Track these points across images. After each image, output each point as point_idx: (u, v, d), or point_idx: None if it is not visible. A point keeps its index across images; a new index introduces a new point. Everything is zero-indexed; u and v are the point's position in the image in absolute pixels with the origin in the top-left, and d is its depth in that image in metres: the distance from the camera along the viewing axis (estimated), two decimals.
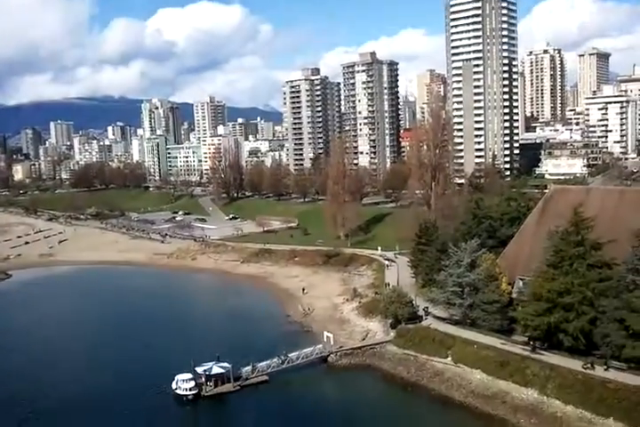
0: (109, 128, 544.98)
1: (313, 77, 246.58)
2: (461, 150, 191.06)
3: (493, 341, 65.38)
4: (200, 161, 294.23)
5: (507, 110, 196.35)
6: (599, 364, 56.02)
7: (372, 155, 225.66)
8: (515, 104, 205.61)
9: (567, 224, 62.50)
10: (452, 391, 60.14)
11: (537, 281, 63.16)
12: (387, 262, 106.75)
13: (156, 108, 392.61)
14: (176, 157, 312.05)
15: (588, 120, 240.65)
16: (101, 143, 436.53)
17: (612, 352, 56.39)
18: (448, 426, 55.66)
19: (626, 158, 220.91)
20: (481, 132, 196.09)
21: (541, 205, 79.14)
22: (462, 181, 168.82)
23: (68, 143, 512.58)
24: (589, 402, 52.38)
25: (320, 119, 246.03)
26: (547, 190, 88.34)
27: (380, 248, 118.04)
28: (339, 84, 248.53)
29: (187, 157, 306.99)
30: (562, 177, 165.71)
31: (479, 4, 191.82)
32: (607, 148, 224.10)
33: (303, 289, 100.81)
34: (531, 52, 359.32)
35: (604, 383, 52.89)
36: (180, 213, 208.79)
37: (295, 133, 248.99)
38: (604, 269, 61.13)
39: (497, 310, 68.57)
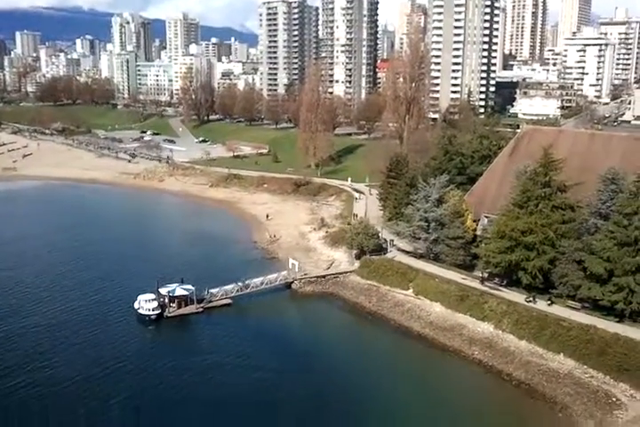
0: (78, 41, 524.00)
1: (291, 0, 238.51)
2: (437, 85, 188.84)
3: (454, 275, 66.93)
4: (171, 80, 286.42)
5: (486, 46, 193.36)
6: (544, 299, 58.81)
7: (348, 84, 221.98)
8: (494, 40, 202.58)
9: (536, 165, 62.89)
10: (410, 322, 61.72)
11: (502, 219, 64.05)
12: (356, 195, 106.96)
13: (127, 22, 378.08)
14: (146, 75, 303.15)
15: (566, 61, 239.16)
16: (69, 57, 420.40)
17: (567, 292, 58.24)
18: (405, 355, 57.21)
19: (599, 102, 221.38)
20: (458, 67, 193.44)
21: (512, 145, 79.33)
22: (436, 116, 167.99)
23: (35, 55, 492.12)
24: (542, 338, 54.34)
25: (296, 44, 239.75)
26: (519, 130, 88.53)
27: (350, 179, 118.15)
28: (317, 8, 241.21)
29: (157, 76, 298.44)
30: (535, 117, 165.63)
31: None
32: (582, 90, 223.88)
33: (267, 215, 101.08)
34: None
35: (557, 321, 54.73)
36: (149, 132, 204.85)
37: (270, 57, 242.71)
38: (567, 211, 62.07)
39: (460, 245, 69.81)
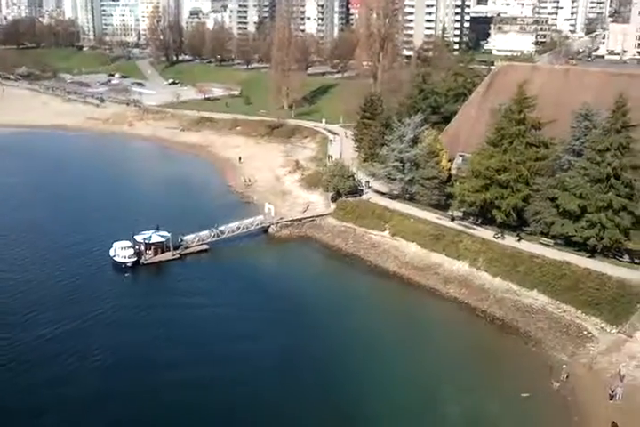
0: None
1: None
2: (411, 21, 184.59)
3: (430, 215, 67.26)
4: (137, 20, 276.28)
5: None
6: (512, 235, 60.13)
7: (320, 21, 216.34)
8: None
9: (510, 102, 62.36)
10: (387, 263, 62.37)
11: (476, 158, 63.93)
12: (331, 137, 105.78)
13: None
14: (111, 15, 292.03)
15: None
16: None
17: (541, 229, 58.92)
18: (381, 294, 58.09)
19: (574, 37, 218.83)
20: (433, 2, 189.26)
21: (487, 82, 78.45)
22: (410, 53, 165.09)
23: None
24: (516, 275, 55.34)
25: None
26: (493, 67, 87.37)
27: (324, 120, 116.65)
28: None
29: (123, 16, 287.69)
30: (509, 53, 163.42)
31: None
32: (556, 25, 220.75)
33: (240, 159, 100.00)
34: None
35: (531, 258, 55.59)
36: (117, 75, 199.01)
37: None
38: (541, 148, 62.10)
39: (435, 185, 69.85)
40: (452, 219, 65.69)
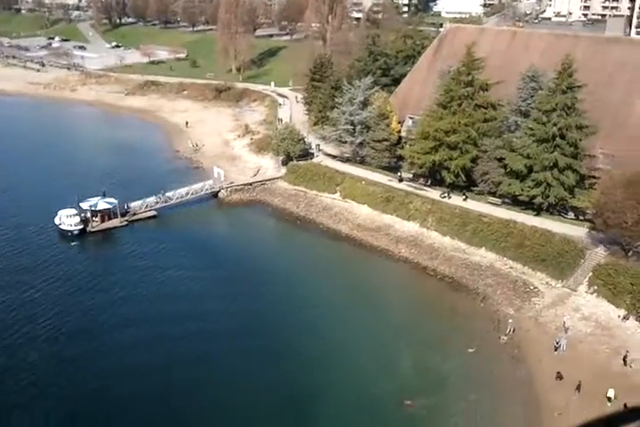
0: None
1: None
2: None
3: (381, 177, 67.57)
4: None
5: None
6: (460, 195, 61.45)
7: None
8: None
9: (459, 64, 62.45)
10: (339, 225, 62.63)
11: (425, 120, 64.15)
12: (280, 100, 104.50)
13: None
14: None
15: None
16: None
17: (489, 189, 59.85)
18: (334, 256, 58.15)
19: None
20: None
21: (436, 44, 78.29)
22: (360, 15, 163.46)
23: None
24: (465, 234, 56.36)
25: None
26: (442, 29, 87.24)
27: (273, 83, 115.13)
28: None
29: None
30: (458, 15, 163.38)
31: None
32: None
33: (187, 123, 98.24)
34: None
35: (479, 217, 56.56)
36: (57, 39, 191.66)
37: None
38: (489, 109, 62.65)
39: (386, 148, 70.01)
40: (400, 180, 66.28)
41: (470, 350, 41.10)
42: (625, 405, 34.72)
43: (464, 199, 60.69)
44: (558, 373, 37.65)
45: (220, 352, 41.51)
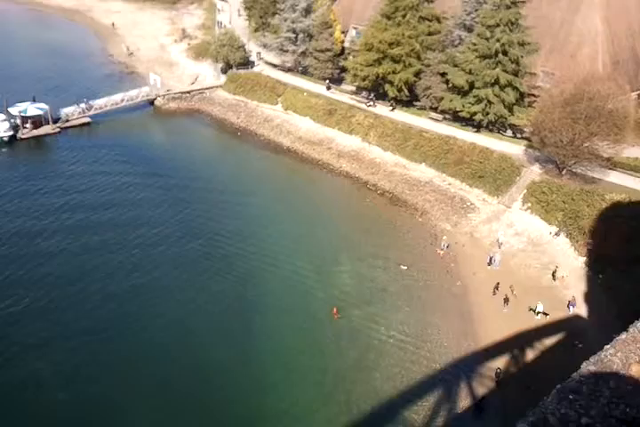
0: None
1: None
2: None
3: (323, 89, 66.36)
4: None
5: None
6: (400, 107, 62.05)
7: None
8: None
9: None
10: (280, 137, 61.90)
11: (370, 31, 62.64)
12: (219, 5, 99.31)
13: None
14: None
15: None
16: None
17: (431, 104, 59.80)
18: (276, 168, 57.80)
19: None
20: None
21: None
22: None
23: None
24: (406, 150, 56.62)
25: None
26: None
27: None
28: None
29: None
30: None
31: None
32: None
33: (113, 24, 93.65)
34: None
35: (420, 133, 56.77)
36: None
37: None
38: (434, 22, 61.54)
39: (329, 58, 68.42)
40: (328, 88, 65.97)
41: (403, 268, 42.03)
42: (546, 315, 36.88)
43: (391, 110, 60.89)
44: (497, 285, 39.19)
45: (158, 258, 41.64)
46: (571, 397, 4.98)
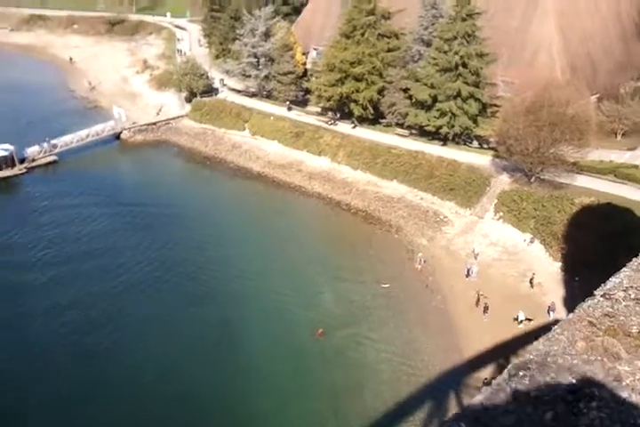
0: None
1: None
2: None
3: (289, 112, 66.59)
4: None
5: None
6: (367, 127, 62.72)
7: None
8: None
9: None
10: (250, 163, 61.82)
11: (330, 51, 63.27)
12: (178, 34, 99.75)
13: None
14: None
15: None
16: None
17: (396, 120, 60.29)
18: (248, 194, 57.39)
19: None
20: None
21: None
22: None
23: None
24: (375, 167, 56.76)
25: None
26: None
27: (169, 15, 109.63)
28: None
29: None
30: None
31: None
32: None
33: (70, 59, 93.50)
34: None
35: (388, 149, 57.04)
36: None
37: None
38: (392, 38, 62.31)
39: (292, 81, 68.93)
40: (289, 109, 66.71)
41: (384, 286, 41.90)
42: (529, 320, 37.01)
43: (353, 127, 61.63)
44: (478, 298, 39.28)
45: (133, 285, 41.25)
46: (521, 373, 5.35)
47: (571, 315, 6.67)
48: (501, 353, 34.84)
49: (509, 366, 6.05)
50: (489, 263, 43.57)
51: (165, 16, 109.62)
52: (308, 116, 65.58)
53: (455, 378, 33.70)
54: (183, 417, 30.20)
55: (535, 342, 6.33)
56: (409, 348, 36.21)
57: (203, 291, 41.05)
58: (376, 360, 35.26)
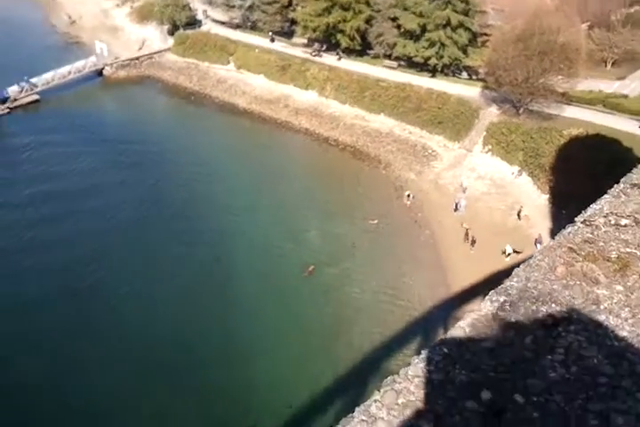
0: None
1: None
2: None
3: (275, 44, 65.10)
4: None
5: None
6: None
7: None
8: None
9: None
10: (235, 98, 60.75)
11: None
12: None
13: None
14: None
15: None
16: None
17: (384, 51, 59.05)
18: (234, 130, 56.95)
19: None
20: None
21: None
22: None
23: None
24: (364, 101, 55.87)
25: None
26: None
27: None
28: None
29: None
30: None
31: None
32: None
33: None
34: None
35: (376, 82, 56.04)
36: None
37: None
38: None
39: (277, 10, 67.00)
40: (272, 40, 65.25)
41: (372, 222, 41.86)
42: (517, 252, 37.39)
43: (338, 59, 60.37)
44: (466, 232, 39.54)
45: (119, 223, 41.06)
46: (502, 299, 5.51)
47: (551, 241, 6.71)
48: (489, 286, 35.16)
49: (490, 293, 6.14)
50: (477, 197, 43.66)
51: None
52: (293, 48, 64.07)
53: (443, 311, 34.20)
54: (169, 356, 30.26)
55: (516, 269, 6.41)
56: (398, 283, 36.51)
57: (189, 228, 40.75)
58: (365, 296, 35.59)
